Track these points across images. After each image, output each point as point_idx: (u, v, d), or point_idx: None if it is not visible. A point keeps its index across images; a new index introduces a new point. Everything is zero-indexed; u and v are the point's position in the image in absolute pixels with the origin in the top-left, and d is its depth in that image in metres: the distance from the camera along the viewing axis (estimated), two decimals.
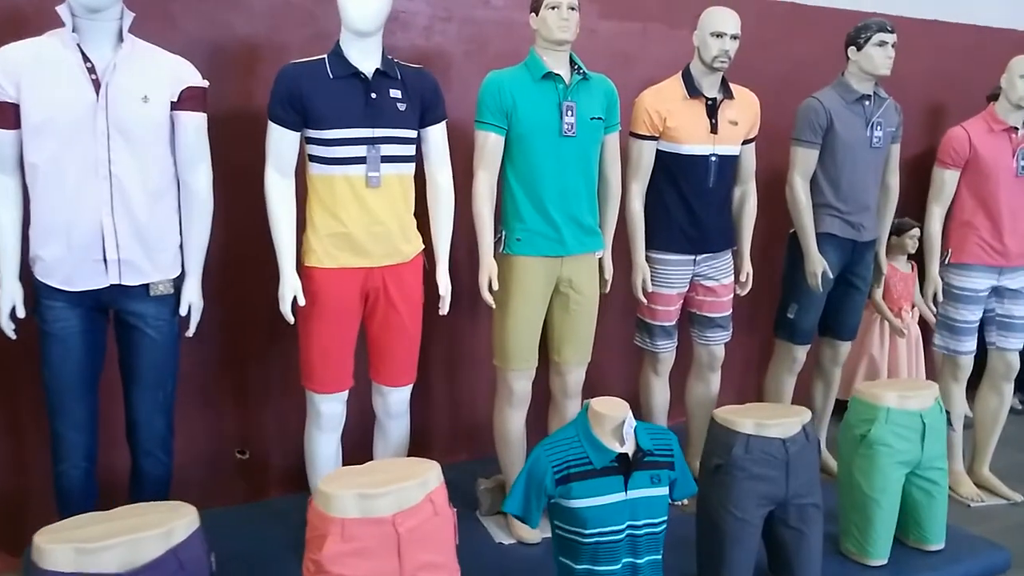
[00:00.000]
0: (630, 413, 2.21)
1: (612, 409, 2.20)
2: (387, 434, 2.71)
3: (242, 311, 2.96)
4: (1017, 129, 3.29)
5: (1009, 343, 3.45)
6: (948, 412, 3.00)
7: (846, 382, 4.33)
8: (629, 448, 2.20)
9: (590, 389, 3.65)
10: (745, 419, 2.44)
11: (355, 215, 2.40)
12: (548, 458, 2.16)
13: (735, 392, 4.09)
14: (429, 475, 2.03)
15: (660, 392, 3.24)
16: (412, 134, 2.49)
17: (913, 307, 4.22)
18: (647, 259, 3.05)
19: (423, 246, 2.62)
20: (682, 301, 3.14)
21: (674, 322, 3.14)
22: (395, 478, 2.00)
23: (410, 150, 2.49)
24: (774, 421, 2.44)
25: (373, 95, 2.39)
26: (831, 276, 3.19)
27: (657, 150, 2.98)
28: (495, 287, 2.65)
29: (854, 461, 2.75)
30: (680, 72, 2.99)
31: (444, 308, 2.62)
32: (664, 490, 2.23)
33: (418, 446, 3.42)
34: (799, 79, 3.62)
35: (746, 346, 4.03)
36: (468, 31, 3.25)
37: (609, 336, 3.43)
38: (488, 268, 2.65)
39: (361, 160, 2.38)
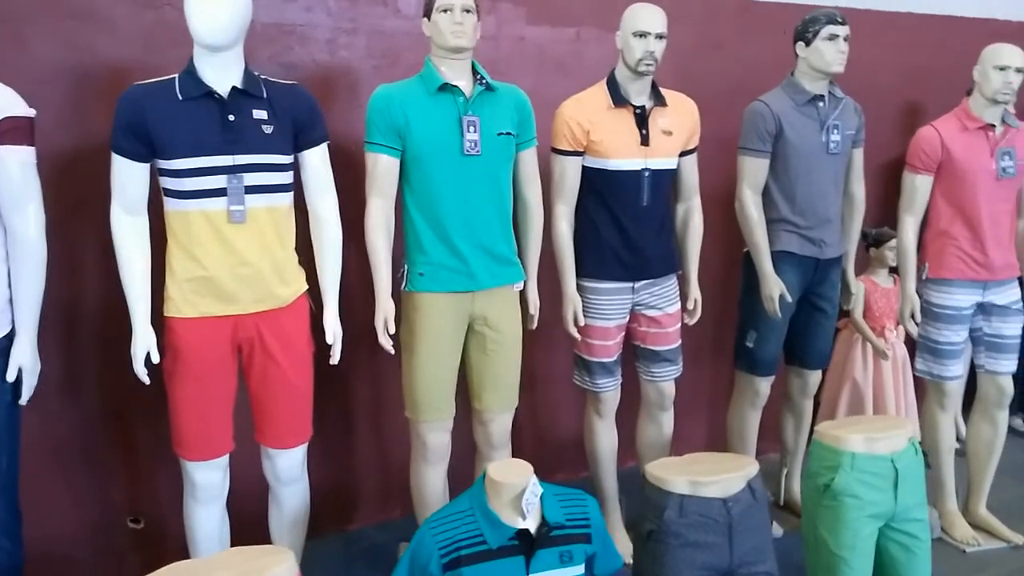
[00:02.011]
0: (534, 479, 1.87)
1: (512, 475, 1.86)
2: (280, 503, 2.37)
3: (124, 363, 2.64)
4: (994, 127, 2.94)
5: (1000, 366, 3.08)
6: (926, 453, 2.63)
7: (828, 411, 3.98)
8: (532, 522, 1.86)
9: (539, 435, 3.34)
10: (678, 477, 2.09)
11: (217, 256, 2.08)
12: (434, 538, 1.82)
13: (707, 430, 3.74)
14: (277, 570, 1.69)
15: (605, 436, 2.88)
16: (284, 160, 2.17)
17: (898, 325, 3.85)
18: (579, 288, 2.71)
19: (306, 287, 2.29)
20: (623, 334, 2.79)
21: (615, 357, 2.79)
22: (239, 574, 1.66)
23: (283, 178, 2.17)
24: (713, 478, 2.09)
25: (231, 117, 2.07)
26: (789, 299, 2.84)
27: (583, 167, 2.65)
28: (391, 330, 2.32)
29: (819, 514, 2.40)
30: (605, 79, 2.67)
31: (335, 357, 2.29)
32: (578, 569, 1.89)
33: (342, 505, 3.11)
34: (755, 82, 3.29)
35: (717, 379, 3.68)
36: (377, 44, 2.94)
37: (560, 374, 3.10)
38: (384, 309, 2.32)
39: (221, 192, 2.06)
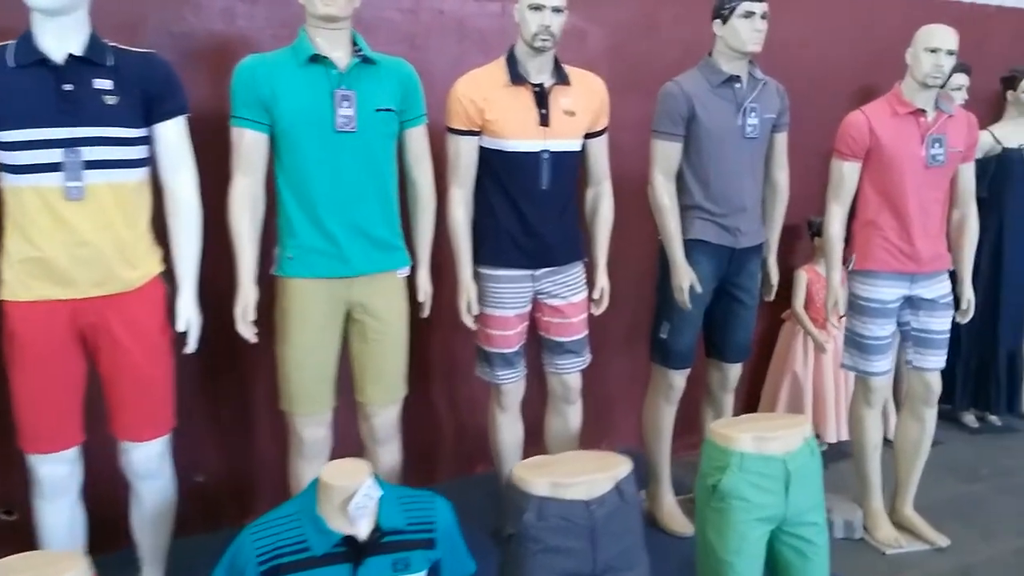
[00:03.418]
0: (369, 482, 1.76)
1: (344, 477, 1.75)
2: (140, 499, 2.27)
3: None
4: (925, 112, 2.79)
5: (927, 362, 2.95)
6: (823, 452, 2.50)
7: (768, 405, 3.88)
8: (364, 528, 1.74)
9: (460, 426, 3.19)
10: (539, 478, 1.98)
11: (51, 235, 1.96)
12: (254, 544, 1.71)
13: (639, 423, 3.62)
14: None
15: (508, 429, 2.77)
16: (132, 133, 2.04)
17: (841, 318, 3.71)
18: (477, 276, 2.59)
19: (160, 269, 2.17)
20: (525, 324, 2.67)
21: (516, 348, 2.67)
22: None
23: (130, 153, 2.04)
24: (575, 479, 1.98)
25: (67, 87, 1.94)
26: (700, 290, 2.71)
27: (481, 148, 2.51)
28: (249, 317, 2.20)
29: (707, 517, 2.28)
30: (505, 55, 2.53)
31: (190, 346, 2.18)
32: None
33: (242, 499, 3.00)
34: (693, 64, 3.14)
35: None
36: (278, 14, 2.79)
37: None
38: (244, 295, 2.21)
39: (56, 167, 1.94)
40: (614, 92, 2.71)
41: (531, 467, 2.05)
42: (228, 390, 2.90)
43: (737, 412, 3.86)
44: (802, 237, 3.84)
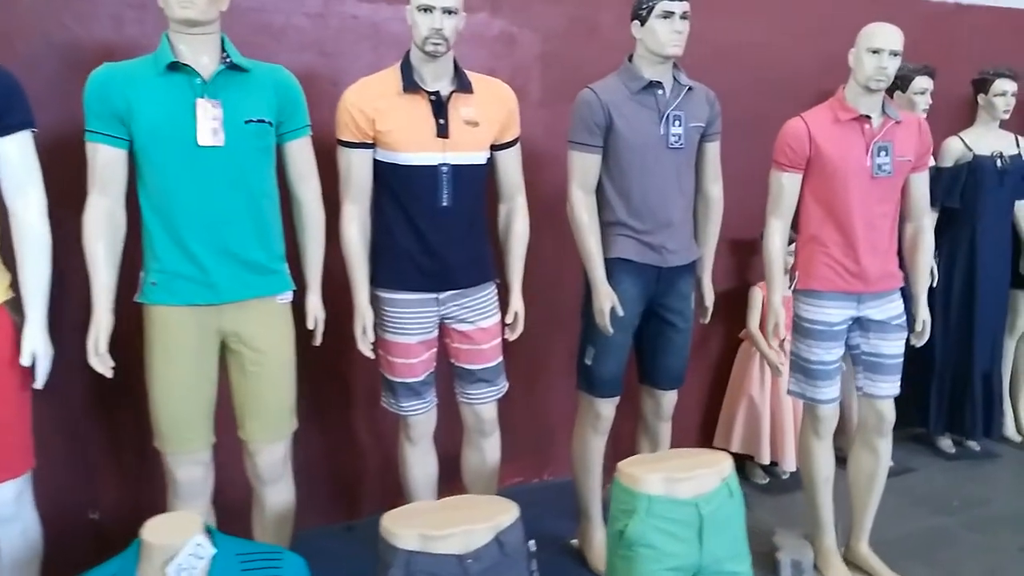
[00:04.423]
0: (197, 539, 1.56)
1: (167, 534, 1.55)
2: None
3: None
4: (870, 118, 2.58)
5: (878, 388, 2.72)
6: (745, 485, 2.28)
7: (725, 432, 3.66)
8: None
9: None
10: (407, 529, 1.77)
11: None
12: None
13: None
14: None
15: (417, 464, 2.56)
16: None
17: (783, 341, 3.48)
18: (375, 299, 2.39)
19: (6, 297, 1.98)
20: (432, 351, 2.47)
21: (421, 377, 2.46)
22: None
23: None
24: (448, 531, 1.76)
25: None
26: (621, 313, 2.50)
27: (376, 161, 2.32)
28: (101, 349, 2.01)
29: (616, 566, 2.07)
30: (401, 60, 2.34)
31: (39, 381, 1.99)
32: None
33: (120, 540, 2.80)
34: None
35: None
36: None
37: None
38: (98, 323, 2.01)
39: None
40: (548, 102, 2.52)
41: (401, 516, 1.84)
42: (126, 420, 2.70)
43: (693, 441, 3.67)
44: (758, 252, 3.61)
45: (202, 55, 2.03)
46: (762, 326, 3.46)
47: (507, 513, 1.85)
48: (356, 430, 3.10)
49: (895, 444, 3.81)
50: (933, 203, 3.65)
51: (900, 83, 3.46)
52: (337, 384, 3.01)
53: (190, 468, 2.17)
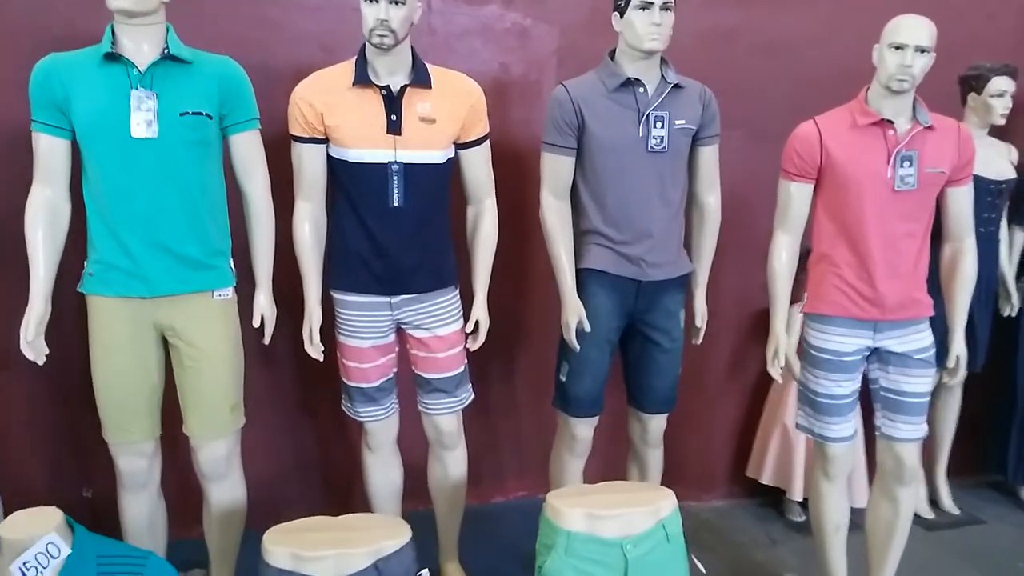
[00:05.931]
0: (49, 538, 1.53)
1: (25, 531, 1.52)
2: None
3: None
4: (894, 123, 2.26)
5: (899, 430, 2.38)
6: (687, 544, 2.02)
7: (757, 460, 3.36)
8: None
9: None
10: (280, 547, 1.67)
11: None
12: None
13: (602, 468, 3.19)
14: None
15: (377, 472, 2.48)
16: None
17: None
18: (330, 300, 2.32)
19: None
20: (389, 357, 2.37)
21: (377, 383, 2.37)
22: None
23: None
24: (320, 553, 1.66)
25: None
26: (588, 328, 2.31)
27: (329, 156, 2.24)
28: (30, 337, 2.02)
29: None
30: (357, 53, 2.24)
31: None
32: None
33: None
34: None
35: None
36: None
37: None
38: (31, 311, 2.03)
39: None
40: None
41: (281, 533, 1.75)
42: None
43: (726, 470, 3.40)
44: (802, 269, 3.29)
45: (142, 46, 2.02)
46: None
47: (394, 539, 1.72)
48: (348, 426, 3.04)
49: (966, 491, 3.42)
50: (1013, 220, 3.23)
51: (975, 84, 3.03)
52: (328, 381, 2.96)
53: (132, 459, 2.18)
